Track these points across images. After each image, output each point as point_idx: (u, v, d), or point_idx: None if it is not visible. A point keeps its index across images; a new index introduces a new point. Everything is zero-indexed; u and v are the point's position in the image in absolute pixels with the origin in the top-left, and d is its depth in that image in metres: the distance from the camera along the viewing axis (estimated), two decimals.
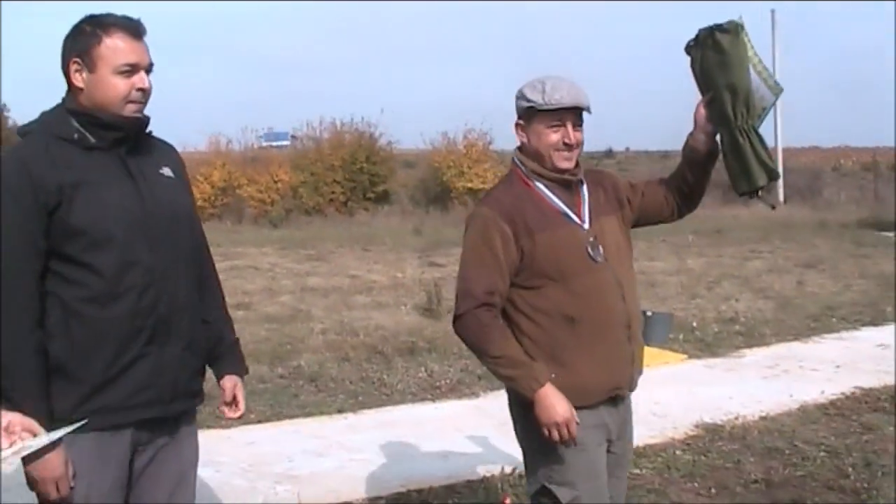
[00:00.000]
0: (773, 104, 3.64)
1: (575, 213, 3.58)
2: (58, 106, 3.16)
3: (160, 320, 3.10)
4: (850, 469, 6.04)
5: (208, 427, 7.31)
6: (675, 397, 8.04)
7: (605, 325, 3.55)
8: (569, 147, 3.53)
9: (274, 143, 45.60)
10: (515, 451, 6.51)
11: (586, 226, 3.58)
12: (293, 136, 45.03)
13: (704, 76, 3.61)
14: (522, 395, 3.48)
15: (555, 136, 3.52)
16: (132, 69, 3.07)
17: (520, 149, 3.67)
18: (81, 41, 3.07)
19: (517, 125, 3.63)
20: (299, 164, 35.28)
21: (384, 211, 33.78)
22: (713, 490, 5.81)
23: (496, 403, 8.09)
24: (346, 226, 29.72)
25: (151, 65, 3.15)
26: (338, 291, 14.83)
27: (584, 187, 3.67)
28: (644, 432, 6.94)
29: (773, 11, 38.51)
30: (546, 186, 3.59)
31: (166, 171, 3.26)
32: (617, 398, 3.72)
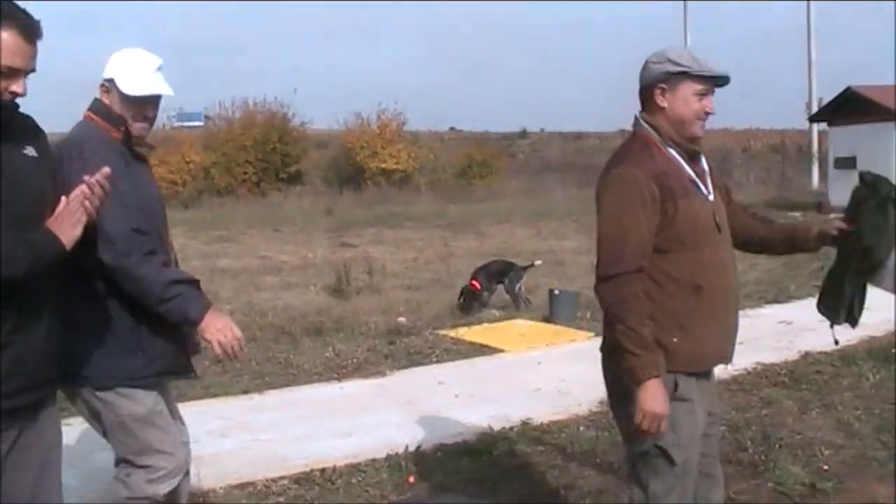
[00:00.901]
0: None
1: (702, 184, 3.62)
2: None
3: (25, 306, 3.03)
4: (748, 442, 6.14)
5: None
6: (580, 374, 8.08)
7: (725, 296, 3.61)
8: (706, 116, 3.60)
9: (186, 124, 44.95)
10: (420, 431, 6.56)
11: (710, 197, 3.63)
12: (206, 117, 44.49)
13: (860, 214, 3.72)
14: (631, 375, 3.47)
15: (699, 104, 3.56)
16: (11, 72, 2.92)
17: (648, 115, 3.66)
18: None
19: (658, 89, 3.60)
20: (211, 144, 34.93)
21: (296, 191, 33.61)
22: (616, 465, 5.87)
23: (402, 381, 8.13)
24: (257, 207, 29.49)
25: (33, 70, 3.01)
26: (247, 272, 14.71)
27: (704, 160, 3.71)
28: (548, 409, 7.01)
29: None
30: (678, 154, 3.60)
31: (29, 151, 3.14)
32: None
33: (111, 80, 3.80)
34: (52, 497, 3.35)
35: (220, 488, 5.66)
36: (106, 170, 3.13)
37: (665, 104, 3.60)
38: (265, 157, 34.27)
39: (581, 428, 6.63)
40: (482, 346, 9.46)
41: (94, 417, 3.87)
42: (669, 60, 3.56)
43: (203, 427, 6.75)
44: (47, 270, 3.10)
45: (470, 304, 11.05)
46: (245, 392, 7.75)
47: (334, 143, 38.34)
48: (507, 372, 8.50)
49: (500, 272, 11.65)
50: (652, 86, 3.60)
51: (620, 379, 3.57)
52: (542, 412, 6.93)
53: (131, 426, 3.82)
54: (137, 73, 3.80)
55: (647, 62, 3.64)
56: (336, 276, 12.61)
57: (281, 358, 8.89)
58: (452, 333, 9.97)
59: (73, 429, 6.95)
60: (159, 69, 3.88)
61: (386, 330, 10.05)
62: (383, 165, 35.16)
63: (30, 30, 2.94)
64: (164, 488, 3.88)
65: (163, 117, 38.78)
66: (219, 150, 34.13)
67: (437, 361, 8.93)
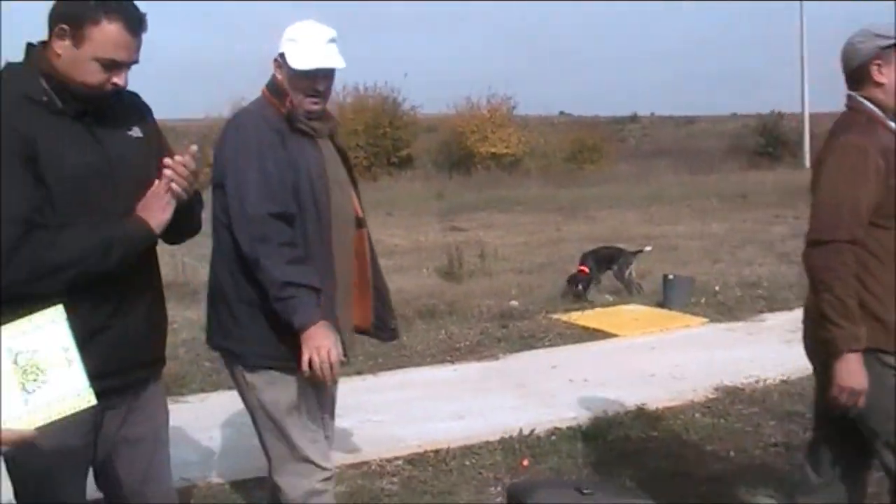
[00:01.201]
0: None
1: None
2: (26, 61, 3.04)
3: (123, 288, 3.08)
4: None
5: (229, 388, 7.36)
6: (695, 361, 8.00)
7: None
8: None
9: None
10: (533, 414, 6.55)
11: None
12: None
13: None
14: (831, 346, 3.44)
15: None
16: (114, 65, 2.95)
17: (865, 92, 3.63)
18: (79, 10, 2.91)
19: (874, 66, 3.59)
20: None
21: (407, 175, 33.78)
22: (732, 453, 5.78)
23: (515, 365, 8.13)
24: (368, 191, 29.50)
25: (136, 62, 3.03)
26: None
27: None
28: (663, 395, 6.94)
29: None
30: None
31: (135, 132, 3.16)
32: None
33: (282, 55, 3.73)
34: (164, 473, 3.42)
35: (335, 468, 5.72)
36: (192, 147, 3.11)
37: (884, 79, 3.57)
38: (376, 142, 34.55)
39: (697, 415, 6.56)
40: (595, 330, 9.39)
41: (242, 399, 3.95)
42: (877, 35, 3.56)
43: None
44: (144, 255, 3.16)
45: (578, 289, 10.98)
46: (359, 373, 7.84)
47: (444, 128, 38.41)
48: (621, 357, 8.44)
49: (609, 258, 11.51)
50: (866, 63, 3.59)
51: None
52: (656, 398, 6.85)
53: (274, 414, 3.83)
54: (306, 47, 3.69)
55: (851, 43, 3.63)
56: (448, 260, 12.66)
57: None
58: (565, 318, 9.92)
59: (192, 406, 7.15)
60: (332, 41, 3.76)
61: (498, 313, 10.05)
62: (493, 150, 35.15)
63: (135, 23, 2.96)
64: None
65: None
66: None
67: (550, 345, 8.91)
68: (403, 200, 25.32)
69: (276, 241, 3.53)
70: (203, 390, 7.32)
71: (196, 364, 7.95)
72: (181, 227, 3.20)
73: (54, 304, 2.51)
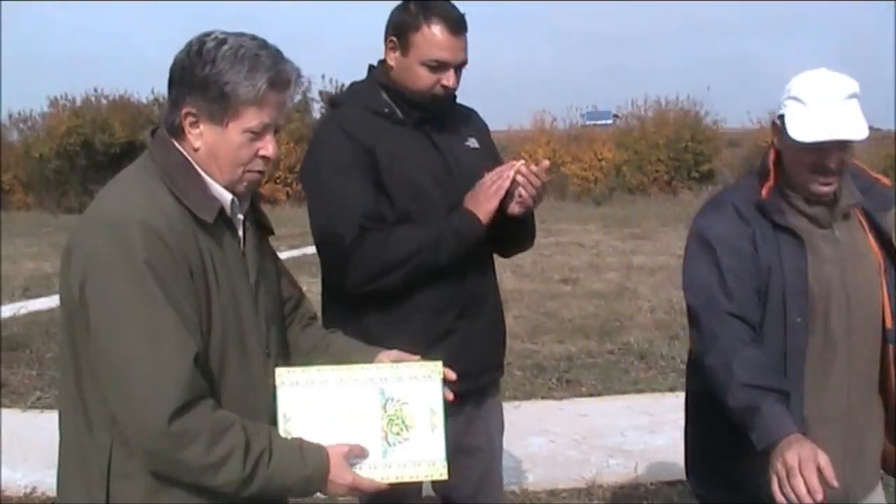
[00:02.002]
0: None
1: None
2: (368, 78, 3.25)
3: (468, 294, 3.19)
4: None
5: (542, 398, 7.51)
6: None
7: None
8: None
9: (598, 122, 45.65)
10: None
11: None
12: (615, 115, 44.92)
13: None
14: None
15: None
16: (440, 66, 3.08)
17: None
18: (403, 20, 3.10)
19: None
20: (623, 142, 35.21)
21: (708, 190, 33.07)
22: None
23: None
24: (669, 205, 29.37)
25: (465, 62, 3.15)
26: (664, 270, 14.67)
27: None
28: None
29: None
30: None
31: (472, 143, 3.32)
32: None
33: (780, 117, 2.86)
34: (496, 485, 3.52)
35: (651, 484, 5.73)
36: (545, 162, 3.18)
37: None
38: (677, 156, 34.02)
39: None
40: None
41: None
42: None
43: (631, 421, 6.88)
44: (483, 261, 3.26)
45: None
46: (671, 389, 7.75)
47: (747, 142, 37.35)
48: None
49: None
50: None
51: None
52: None
53: None
54: (817, 110, 2.73)
55: None
56: None
57: None
58: None
59: (507, 413, 7.31)
60: (851, 97, 2.75)
61: None
62: None
63: (454, 23, 3.07)
64: None
65: (575, 115, 39.62)
66: (631, 148, 34.33)
67: None
68: None
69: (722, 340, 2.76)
70: (516, 398, 7.46)
71: (509, 372, 8.12)
72: (517, 236, 3.31)
73: (435, 357, 2.47)
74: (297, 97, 30.11)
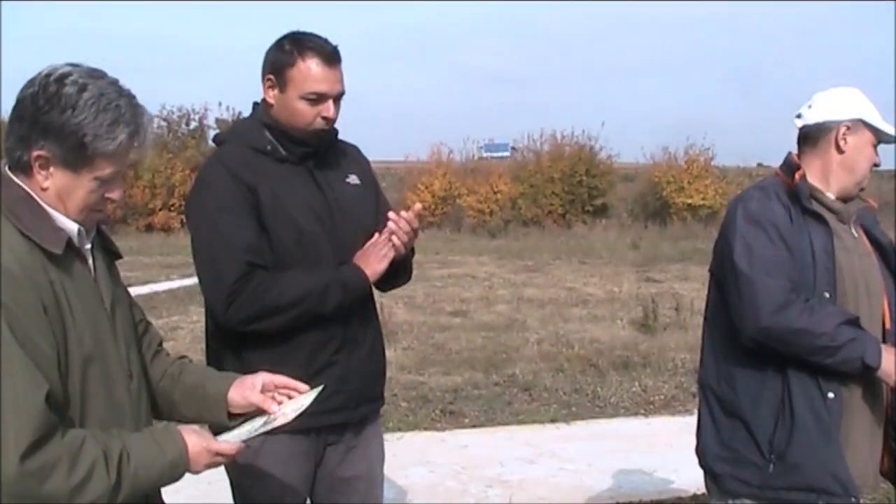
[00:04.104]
0: None
1: None
2: (252, 116, 3.29)
3: (348, 327, 3.23)
4: None
5: (424, 429, 7.56)
6: None
7: None
8: None
9: (494, 154, 46.11)
10: None
11: None
12: (513, 148, 45.44)
13: None
14: None
15: None
16: (318, 98, 3.12)
17: None
18: (278, 58, 3.14)
19: None
20: (519, 175, 35.68)
21: (602, 224, 33.69)
22: None
23: None
24: (563, 238, 29.80)
25: (342, 94, 3.20)
26: (554, 303, 14.92)
27: None
28: None
29: None
30: None
31: (352, 179, 3.35)
32: None
33: (856, 121, 3.23)
34: None
35: None
36: (417, 206, 3.27)
37: None
38: (572, 190, 34.62)
39: None
40: None
41: None
42: None
43: (512, 452, 6.97)
44: (365, 299, 3.31)
45: None
46: (553, 421, 7.90)
47: (641, 177, 38.18)
48: None
49: None
50: None
51: None
52: None
53: None
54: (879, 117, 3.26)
55: None
56: (643, 311, 12.58)
57: (588, 390, 8.98)
58: None
59: (388, 444, 7.34)
60: None
61: (693, 368, 9.90)
62: (689, 201, 34.68)
63: (328, 55, 3.13)
64: None
65: (472, 148, 40.01)
66: (527, 182, 34.82)
67: None
68: (598, 249, 25.29)
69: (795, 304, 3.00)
70: (399, 429, 7.49)
71: (394, 404, 8.15)
72: (395, 277, 3.37)
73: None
74: (194, 124, 29.86)
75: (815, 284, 3.08)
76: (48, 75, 2.16)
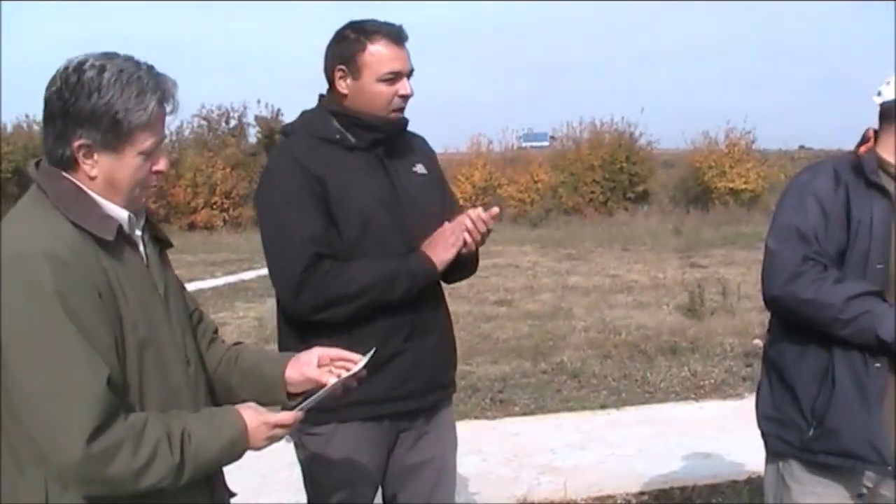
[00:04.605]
0: None
1: None
2: (318, 107, 3.31)
3: (418, 314, 3.24)
4: None
5: (474, 417, 7.57)
6: None
7: None
8: None
9: (533, 144, 45.99)
10: None
11: None
12: (552, 137, 45.28)
13: None
14: None
15: None
16: (395, 77, 3.16)
17: None
18: (345, 48, 3.18)
19: None
20: (559, 164, 35.50)
21: (643, 211, 33.46)
22: None
23: None
24: (605, 225, 29.66)
25: (412, 70, 3.24)
26: (598, 290, 14.87)
27: None
28: None
29: None
30: None
31: (419, 169, 3.38)
32: None
33: None
34: (448, 500, 3.57)
35: (581, 500, 5.80)
36: (495, 210, 3.26)
37: None
38: (612, 177, 34.39)
39: None
40: None
41: None
42: None
43: (563, 439, 6.96)
44: (433, 287, 3.33)
45: None
46: (602, 407, 7.89)
47: (681, 163, 37.83)
48: None
49: None
50: None
51: None
52: None
53: None
54: None
55: None
56: (689, 297, 12.50)
57: (637, 375, 8.96)
58: None
59: None
60: None
61: (742, 352, 9.85)
62: (731, 185, 34.34)
63: (396, 35, 3.18)
64: None
65: (511, 137, 39.87)
66: (567, 170, 34.65)
67: None
68: (640, 236, 25.15)
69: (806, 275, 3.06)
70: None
71: None
72: (462, 269, 3.38)
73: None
74: (233, 122, 29.93)
75: (868, 256, 3.08)
76: (66, 68, 2.20)
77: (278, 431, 2.33)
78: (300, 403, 2.42)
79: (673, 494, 5.82)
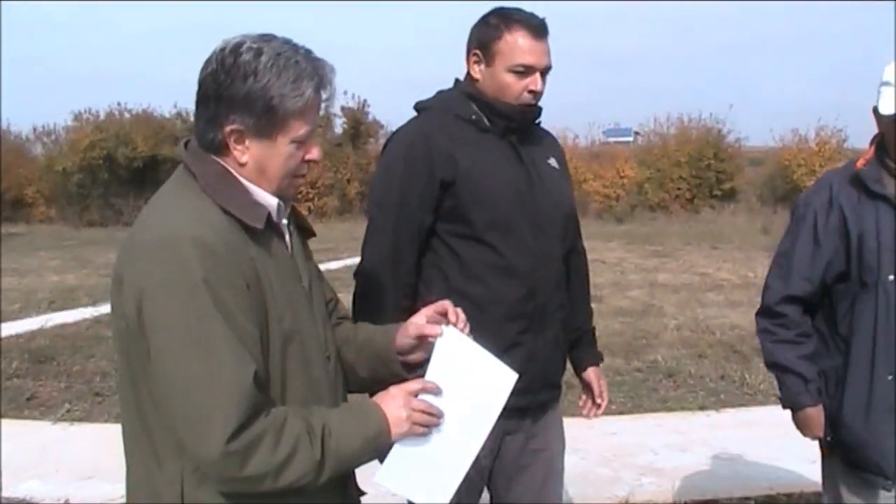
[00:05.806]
0: None
1: None
2: (455, 88, 3.27)
3: (537, 308, 3.17)
4: None
5: (571, 415, 7.45)
6: None
7: None
8: None
9: (618, 140, 45.68)
10: None
11: None
12: (636, 133, 44.91)
13: None
14: None
15: None
16: (526, 70, 3.09)
17: None
18: (485, 33, 3.13)
19: None
20: (645, 159, 35.17)
21: (730, 209, 32.99)
22: None
23: None
24: (691, 223, 29.32)
25: (549, 67, 3.16)
26: (687, 288, 14.66)
27: None
28: None
29: None
30: None
31: (552, 162, 3.31)
32: None
33: None
34: (556, 500, 3.49)
35: (686, 502, 5.69)
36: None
37: None
38: (699, 174, 33.97)
39: None
40: None
41: None
42: None
43: (662, 440, 6.85)
44: (559, 269, 3.27)
45: None
46: (702, 408, 7.75)
47: (770, 161, 37.22)
48: None
49: None
50: None
51: None
52: None
53: None
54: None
55: None
56: None
57: (735, 376, 8.79)
58: None
59: None
60: None
61: None
62: None
63: (536, 28, 3.10)
64: None
65: (596, 132, 39.62)
66: (653, 166, 34.31)
67: None
68: (727, 234, 24.80)
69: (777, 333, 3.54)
70: None
71: None
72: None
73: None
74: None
75: (878, 269, 3.16)
76: (222, 49, 2.10)
77: (417, 417, 2.20)
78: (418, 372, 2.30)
79: (778, 500, 5.69)
